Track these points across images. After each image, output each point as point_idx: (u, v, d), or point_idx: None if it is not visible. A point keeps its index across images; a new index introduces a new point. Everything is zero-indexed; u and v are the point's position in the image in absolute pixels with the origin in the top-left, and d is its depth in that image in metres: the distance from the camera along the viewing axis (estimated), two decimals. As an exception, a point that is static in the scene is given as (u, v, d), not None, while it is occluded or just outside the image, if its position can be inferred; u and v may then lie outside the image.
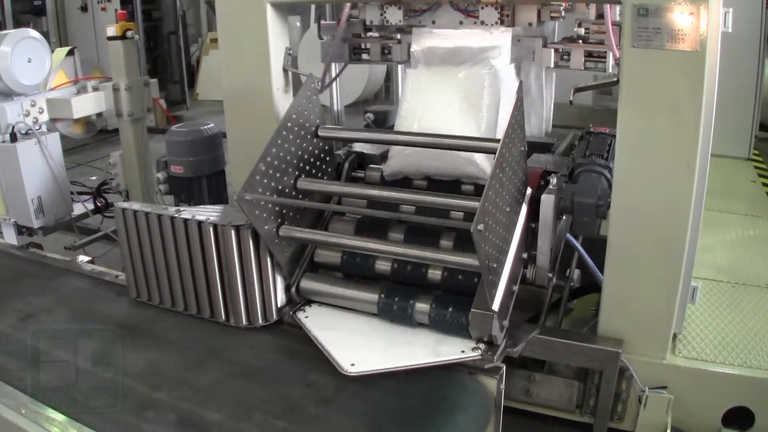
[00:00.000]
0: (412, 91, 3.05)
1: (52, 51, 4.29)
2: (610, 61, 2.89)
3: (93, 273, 3.42)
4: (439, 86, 3.00)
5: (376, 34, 3.50)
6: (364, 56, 3.59)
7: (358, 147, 3.31)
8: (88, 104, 4.34)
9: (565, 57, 3.07)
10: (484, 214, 2.19)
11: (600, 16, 2.84)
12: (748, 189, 5.03)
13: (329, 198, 3.08)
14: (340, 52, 3.55)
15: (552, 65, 3.11)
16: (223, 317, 2.84)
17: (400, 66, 4.32)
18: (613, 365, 2.67)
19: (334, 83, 3.97)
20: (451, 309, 2.57)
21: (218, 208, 3.00)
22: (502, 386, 2.43)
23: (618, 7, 2.79)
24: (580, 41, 3.00)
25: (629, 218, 2.63)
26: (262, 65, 3.23)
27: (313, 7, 3.23)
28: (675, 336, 2.86)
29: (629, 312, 2.73)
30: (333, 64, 3.70)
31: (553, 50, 3.07)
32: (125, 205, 2.99)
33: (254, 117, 3.30)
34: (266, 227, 2.65)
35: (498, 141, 2.40)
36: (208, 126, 3.86)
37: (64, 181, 4.07)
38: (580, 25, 2.93)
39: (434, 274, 2.74)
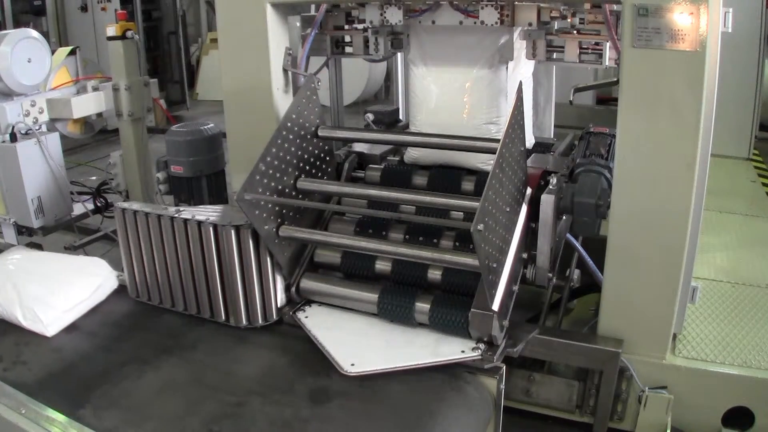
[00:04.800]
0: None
1: (52, 51, 4.29)
2: (607, 53, 2.88)
3: (93, 273, 3.42)
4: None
5: (359, 27, 3.42)
6: (347, 49, 3.56)
7: (358, 147, 3.32)
8: (88, 104, 4.34)
9: (560, 50, 3.05)
10: (484, 214, 2.19)
11: (595, 6, 2.83)
12: (748, 189, 5.03)
13: (329, 198, 3.09)
14: (321, 45, 3.52)
15: (544, 58, 3.11)
16: (223, 317, 2.84)
17: (400, 65, 4.34)
18: (613, 365, 2.67)
19: (334, 82, 3.97)
20: (451, 309, 2.57)
21: (218, 208, 3.00)
22: (502, 386, 2.44)
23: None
24: (575, 32, 2.98)
25: (629, 218, 2.63)
26: (262, 65, 3.22)
27: (312, 7, 3.23)
28: (675, 336, 2.86)
29: (629, 312, 2.73)
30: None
31: (544, 42, 3.05)
32: (125, 205, 2.99)
33: (254, 117, 3.30)
34: (266, 227, 2.65)
35: (498, 141, 2.40)
36: (208, 126, 3.86)
37: (64, 181, 4.07)
38: (574, 15, 2.93)
39: (434, 274, 2.75)
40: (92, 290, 3.01)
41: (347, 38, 3.53)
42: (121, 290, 3.14)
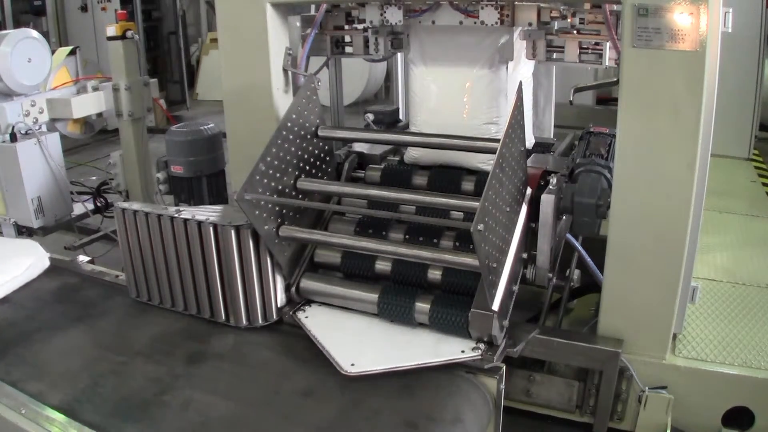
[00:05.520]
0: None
1: (52, 51, 4.29)
2: (607, 53, 2.89)
3: (93, 273, 3.43)
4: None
5: (359, 27, 3.44)
6: (347, 49, 3.56)
7: (358, 147, 3.32)
8: (88, 104, 4.34)
9: (560, 50, 3.06)
10: (484, 214, 2.19)
11: (595, 6, 2.83)
12: (748, 189, 5.03)
13: (329, 198, 3.09)
14: (321, 45, 3.53)
15: (544, 58, 3.11)
16: (223, 317, 2.84)
17: (400, 65, 4.34)
18: (613, 365, 2.67)
19: (334, 82, 3.98)
20: (451, 309, 2.57)
21: (218, 208, 3.00)
22: (502, 386, 2.44)
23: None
24: (575, 32, 2.99)
25: (629, 218, 2.63)
26: (262, 65, 3.23)
27: (312, 7, 3.24)
28: (675, 336, 2.86)
29: (629, 312, 2.73)
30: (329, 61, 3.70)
31: (544, 42, 3.06)
32: (125, 205, 2.99)
33: (254, 117, 3.30)
34: (266, 227, 2.65)
35: (498, 141, 2.40)
36: (208, 126, 3.86)
37: (64, 181, 4.07)
38: (574, 15, 2.93)
39: (434, 274, 2.74)
40: (24, 269, 3.30)
41: (347, 38, 3.53)
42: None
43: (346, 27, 3.48)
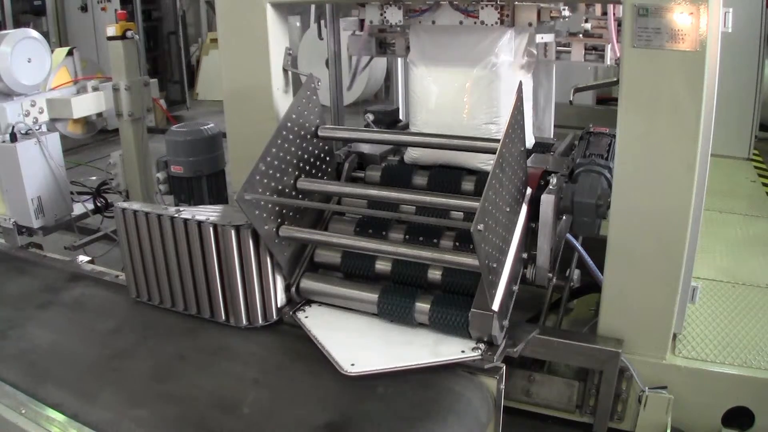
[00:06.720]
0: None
1: (52, 51, 4.28)
2: (608, 54, 2.91)
3: (93, 273, 3.43)
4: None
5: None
6: (390, 50, 3.71)
7: (358, 147, 3.32)
8: (88, 104, 4.34)
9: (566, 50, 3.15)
10: (484, 214, 2.19)
11: (606, 12, 2.87)
12: (748, 189, 5.03)
13: (329, 198, 3.09)
14: (368, 46, 3.65)
15: (553, 57, 3.16)
16: (223, 317, 2.84)
17: (400, 65, 4.34)
18: (613, 365, 2.67)
19: (333, 83, 3.98)
20: (450, 309, 2.57)
21: (218, 208, 3.00)
22: (502, 386, 2.44)
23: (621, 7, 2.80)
24: (580, 35, 3.06)
25: (629, 218, 2.63)
26: (262, 65, 3.23)
27: (313, 7, 3.24)
28: (675, 336, 2.86)
29: (629, 312, 2.73)
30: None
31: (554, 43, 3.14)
32: (125, 205, 2.99)
33: (254, 117, 3.30)
34: (266, 227, 2.65)
35: (498, 141, 2.40)
36: (208, 126, 3.86)
37: (64, 181, 4.07)
38: (587, 21, 2.96)
39: (434, 274, 2.75)
40: None
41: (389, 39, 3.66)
42: (121, 290, 3.22)
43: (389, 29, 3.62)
